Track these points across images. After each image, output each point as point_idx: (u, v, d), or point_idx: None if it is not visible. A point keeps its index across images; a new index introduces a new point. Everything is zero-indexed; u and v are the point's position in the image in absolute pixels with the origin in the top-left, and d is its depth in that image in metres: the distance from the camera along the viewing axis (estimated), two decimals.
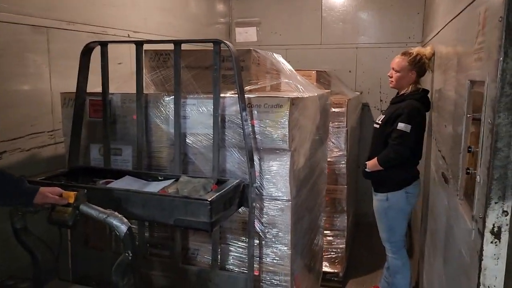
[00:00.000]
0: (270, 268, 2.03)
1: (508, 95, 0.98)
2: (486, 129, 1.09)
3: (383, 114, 2.83)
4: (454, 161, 1.60)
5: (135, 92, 2.02)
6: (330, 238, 3.41)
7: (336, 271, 3.36)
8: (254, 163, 1.90)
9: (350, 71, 4.45)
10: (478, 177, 1.15)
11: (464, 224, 1.32)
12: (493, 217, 1.03)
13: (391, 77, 2.79)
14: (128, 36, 2.95)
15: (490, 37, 1.12)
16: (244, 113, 1.82)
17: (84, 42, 2.51)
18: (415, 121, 2.58)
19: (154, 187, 1.87)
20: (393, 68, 2.77)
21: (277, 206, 1.96)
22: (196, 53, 2.12)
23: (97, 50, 2.14)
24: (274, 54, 2.42)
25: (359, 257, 3.82)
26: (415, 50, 2.74)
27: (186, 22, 3.89)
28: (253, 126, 1.88)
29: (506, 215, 1.02)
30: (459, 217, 1.43)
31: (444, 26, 2.21)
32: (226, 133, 1.93)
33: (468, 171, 1.30)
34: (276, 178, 1.92)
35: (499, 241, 1.04)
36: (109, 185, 1.89)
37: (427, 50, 2.73)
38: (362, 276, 3.53)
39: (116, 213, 1.56)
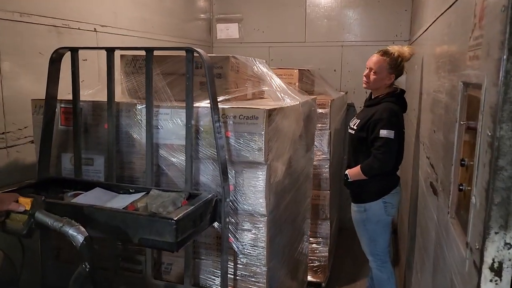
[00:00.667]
0: (246, 285, 1.89)
1: None
2: (484, 142, 0.90)
3: (357, 118, 2.64)
4: (445, 172, 1.42)
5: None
6: (313, 246, 3.23)
7: (318, 280, 3.19)
8: (229, 176, 1.78)
9: (335, 70, 4.28)
10: (473, 198, 0.96)
11: (456, 249, 1.14)
12: (493, 250, 0.85)
13: (367, 77, 2.57)
14: (95, 30, 2.73)
15: (489, 31, 0.94)
16: (217, 125, 1.67)
17: (42, 36, 2.30)
18: (396, 126, 2.41)
19: (124, 200, 1.72)
20: (370, 68, 2.55)
21: (253, 222, 1.84)
22: (173, 58, 1.99)
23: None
24: (257, 60, 2.26)
25: (343, 266, 3.64)
26: (395, 50, 2.52)
27: (162, 18, 3.66)
28: (227, 137, 1.77)
29: (509, 248, 0.83)
30: (450, 239, 1.25)
31: (435, 21, 2.03)
32: (200, 145, 1.81)
33: (461, 187, 1.11)
34: (252, 192, 1.81)
35: (500, 280, 0.86)
36: (76, 198, 1.74)
37: (406, 51, 2.53)
38: (345, 285, 3.35)
39: (73, 221, 1.43)
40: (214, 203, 1.72)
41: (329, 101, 3.08)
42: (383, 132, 2.36)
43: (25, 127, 2.23)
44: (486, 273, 0.85)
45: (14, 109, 2.15)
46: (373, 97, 2.62)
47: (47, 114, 1.92)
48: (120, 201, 1.72)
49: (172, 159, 1.86)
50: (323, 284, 3.16)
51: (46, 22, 2.33)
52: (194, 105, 1.80)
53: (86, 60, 2.63)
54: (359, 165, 2.49)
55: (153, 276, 1.98)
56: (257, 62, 2.27)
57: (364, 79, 2.60)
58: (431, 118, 1.99)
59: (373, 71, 2.53)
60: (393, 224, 4.29)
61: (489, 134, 0.85)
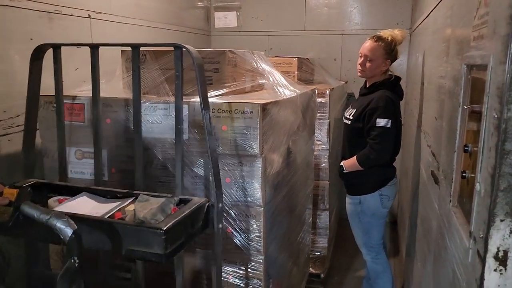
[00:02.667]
0: (245, 274, 1.88)
1: None
2: (490, 124, 0.85)
3: (353, 108, 2.56)
4: (447, 160, 1.37)
5: (113, 96, 1.94)
6: (312, 237, 3.18)
7: (317, 272, 3.15)
8: (225, 169, 1.79)
9: (335, 59, 4.21)
10: (477, 184, 0.92)
11: (459, 239, 1.09)
12: (498, 239, 0.80)
13: (362, 65, 2.48)
14: (89, 16, 2.67)
15: (496, 7, 0.88)
16: (208, 125, 1.59)
17: (32, 22, 2.25)
18: (393, 114, 2.33)
19: (110, 207, 1.62)
20: (365, 56, 2.47)
21: (250, 213, 1.84)
22: (172, 54, 1.93)
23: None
24: (255, 52, 2.24)
25: (342, 256, 3.60)
26: (387, 34, 2.44)
27: (159, 4, 3.59)
28: (223, 131, 1.77)
29: None
30: (452, 228, 1.21)
31: (437, 5, 1.97)
32: (199, 140, 1.80)
33: (464, 174, 1.06)
34: (248, 184, 1.80)
35: (505, 269, 0.81)
36: (60, 206, 1.65)
37: (398, 35, 2.45)
38: (345, 277, 3.32)
39: (63, 213, 1.34)
40: (206, 209, 1.61)
41: (328, 90, 3.02)
42: (380, 121, 2.29)
43: (17, 116, 2.18)
44: (490, 262, 0.81)
45: (4, 96, 2.10)
46: (368, 85, 2.54)
47: (29, 112, 1.86)
48: (106, 208, 1.63)
49: (171, 152, 1.86)
50: (322, 275, 3.12)
51: (37, 8, 2.26)
52: (192, 100, 1.80)
53: (79, 47, 2.57)
54: (355, 156, 2.43)
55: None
56: (255, 56, 2.25)
57: (359, 67, 2.52)
58: (433, 106, 1.93)
59: (368, 58, 2.45)
60: (393, 215, 4.26)
61: (496, 116, 0.80)
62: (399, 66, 4.03)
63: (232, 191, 1.82)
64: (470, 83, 1.14)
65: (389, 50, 2.43)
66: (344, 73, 4.20)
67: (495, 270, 0.82)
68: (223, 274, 1.87)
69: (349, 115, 2.53)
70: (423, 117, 2.37)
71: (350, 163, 2.48)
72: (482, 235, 0.84)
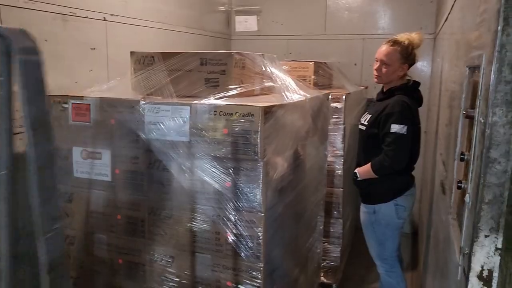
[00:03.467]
0: (244, 280, 1.83)
1: (508, 82, 0.67)
2: (479, 130, 0.78)
3: (369, 114, 2.48)
4: (450, 169, 1.29)
5: (120, 96, 1.95)
6: (325, 245, 3.10)
7: (329, 281, 3.06)
8: (226, 173, 1.77)
9: (355, 64, 4.12)
10: (467, 195, 0.84)
11: (453, 254, 1.02)
12: (482, 256, 0.73)
13: (378, 70, 2.39)
14: (104, 19, 2.70)
15: (491, 2, 0.81)
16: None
17: (46, 23, 2.29)
18: (409, 120, 2.23)
19: None
20: (381, 61, 2.38)
21: (250, 218, 1.78)
22: (181, 55, 2.00)
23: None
24: (266, 55, 2.21)
25: (356, 267, 3.49)
26: (404, 38, 2.35)
27: (178, 8, 3.60)
28: (225, 134, 1.74)
29: (499, 254, 0.71)
30: (450, 242, 1.13)
31: (452, 6, 1.88)
32: (200, 142, 1.79)
33: (460, 185, 0.99)
34: (249, 189, 1.76)
35: None
36: None
37: (415, 38, 2.35)
38: (358, 287, 3.22)
39: None
40: None
41: (344, 95, 2.95)
42: (395, 127, 2.20)
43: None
44: (473, 282, 0.74)
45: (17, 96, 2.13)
46: (384, 90, 2.46)
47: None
48: None
49: (173, 155, 1.85)
50: (334, 286, 3.03)
51: (52, 10, 2.30)
52: (194, 102, 1.79)
53: (94, 49, 2.60)
54: (369, 163, 2.35)
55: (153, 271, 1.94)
56: (265, 59, 2.21)
57: (375, 73, 2.42)
58: (445, 112, 1.84)
59: (384, 63, 2.36)
60: (414, 225, 4.11)
61: (482, 121, 0.74)
62: (421, 72, 3.91)
63: (233, 195, 1.78)
64: (472, 87, 1.06)
65: (406, 54, 2.34)
66: (365, 78, 4.10)
67: None
68: (224, 280, 1.83)
69: (365, 121, 2.47)
70: (439, 125, 2.26)
71: (364, 170, 2.40)
72: (467, 251, 0.77)
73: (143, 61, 2.08)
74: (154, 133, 1.86)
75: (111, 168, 1.98)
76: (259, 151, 1.71)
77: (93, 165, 2.00)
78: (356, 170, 2.47)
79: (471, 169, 0.84)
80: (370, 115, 2.42)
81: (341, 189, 3.04)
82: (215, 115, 1.76)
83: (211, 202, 1.82)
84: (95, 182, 1.99)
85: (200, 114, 1.79)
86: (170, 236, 1.91)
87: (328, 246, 3.11)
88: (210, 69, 1.98)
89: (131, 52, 2.12)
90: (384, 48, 2.38)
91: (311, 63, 3.19)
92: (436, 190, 1.98)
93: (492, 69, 0.69)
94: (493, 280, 0.72)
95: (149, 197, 1.92)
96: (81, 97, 2.01)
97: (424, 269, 2.54)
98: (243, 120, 1.72)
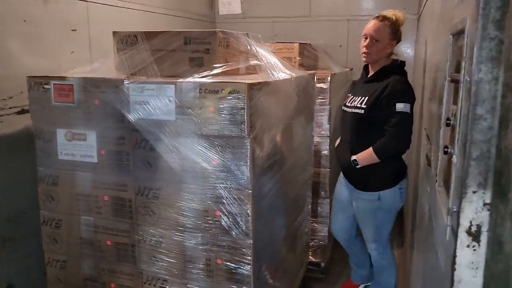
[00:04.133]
0: (233, 257, 1.84)
1: (492, 39, 0.68)
2: (465, 90, 0.79)
3: (360, 96, 2.31)
4: (435, 139, 1.31)
5: (104, 76, 1.94)
6: (313, 225, 3.13)
7: (318, 260, 3.10)
8: (213, 151, 1.77)
9: (341, 46, 4.12)
10: (454, 157, 0.86)
11: (441, 218, 1.03)
12: (471, 212, 0.74)
13: (368, 47, 2.26)
14: (86, 0, 2.64)
15: None
16: None
17: (26, 4, 2.24)
18: (411, 99, 2.16)
19: None
20: (370, 37, 2.25)
21: (238, 196, 1.79)
22: (163, 34, 1.98)
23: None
24: (250, 34, 2.18)
25: None
26: (390, 14, 2.26)
27: None
28: (211, 112, 1.73)
29: (488, 209, 0.73)
30: (437, 209, 1.15)
31: None
32: (185, 120, 1.78)
33: (446, 149, 1.00)
34: (236, 167, 1.76)
35: (479, 245, 0.75)
36: None
37: (400, 14, 2.28)
38: (346, 267, 3.26)
39: None
40: None
41: (329, 75, 2.95)
42: (400, 106, 2.10)
43: (10, 97, 2.17)
44: (462, 237, 0.75)
45: None
46: (371, 71, 2.37)
47: None
48: None
49: (159, 134, 1.84)
50: (322, 264, 3.07)
51: None
52: (178, 80, 1.78)
53: (75, 30, 2.55)
54: (370, 148, 2.22)
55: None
56: (250, 38, 2.19)
57: (364, 50, 2.28)
58: (428, 89, 1.86)
59: (374, 39, 2.24)
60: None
61: (468, 79, 0.74)
62: (405, 54, 3.93)
63: (220, 173, 1.78)
64: (456, 54, 1.07)
65: (395, 30, 2.26)
66: (350, 60, 4.11)
67: (467, 246, 0.76)
68: (214, 258, 1.84)
69: (360, 104, 2.28)
70: (423, 104, 2.28)
71: (364, 156, 2.24)
72: (455, 209, 0.79)
73: (126, 40, 2.06)
74: (140, 113, 1.84)
75: (96, 149, 1.96)
76: (246, 128, 1.70)
77: (78, 147, 1.98)
78: (355, 157, 2.29)
79: (457, 131, 0.85)
80: (364, 97, 2.28)
81: (328, 169, 3.06)
82: (200, 93, 1.75)
83: (199, 181, 1.81)
84: (81, 164, 1.97)
85: (185, 93, 1.78)
86: (158, 216, 1.91)
87: (316, 225, 3.14)
88: (194, 48, 1.96)
89: (113, 32, 2.09)
90: (372, 24, 2.28)
91: (296, 44, 3.18)
92: (422, 166, 2.00)
93: (478, 26, 0.69)
94: (482, 235, 0.74)
95: (136, 177, 1.91)
96: (63, 78, 1.98)
97: (411, 246, 2.58)
98: (229, 97, 1.71)
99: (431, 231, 1.27)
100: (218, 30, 1.97)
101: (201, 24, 4.23)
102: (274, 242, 2.14)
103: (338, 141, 2.61)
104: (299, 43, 3.19)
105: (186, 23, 3.91)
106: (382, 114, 2.18)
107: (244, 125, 1.70)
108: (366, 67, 2.47)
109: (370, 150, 2.22)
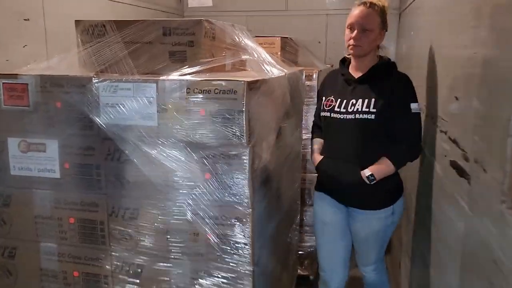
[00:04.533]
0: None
1: None
2: None
3: (360, 98, 1.92)
4: (488, 146, 1.08)
5: (64, 73, 1.63)
6: (298, 235, 2.89)
7: (306, 273, 2.86)
8: (205, 162, 1.50)
9: (319, 42, 3.90)
10: None
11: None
12: None
13: (358, 39, 1.89)
14: None
15: None
16: None
17: None
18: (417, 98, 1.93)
19: None
20: (359, 26, 1.88)
21: (235, 215, 1.53)
22: (137, 24, 1.69)
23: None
24: (236, 25, 1.92)
25: None
26: (375, 0, 1.91)
27: None
28: (202, 116, 1.46)
29: None
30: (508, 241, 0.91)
31: None
32: (168, 125, 1.50)
33: None
34: (233, 181, 1.50)
35: None
36: None
37: (385, 2, 1.95)
38: None
39: None
40: None
41: (316, 72, 2.72)
42: (414, 106, 1.85)
43: None
44: None
45: None
46: (356, 67, 2.00)
47: None
48: None
49: (137, 142, 1.54)
50: (311, 277, 2.84)
51: None
52: (160, 78, 1.51)
53: (28, 20, 2.18)
54: (385, 158, 1.89)
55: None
56: (237, 29, 1.92)
57: (353, 42, 1.90)
58: (449, 86, 1.64)
59: (365, 29, 1.88)
60: None
61: None
62: (385, 49, 3.76)
63: (213, 189, 1.50)
64: None
65: (384, 18, 1.94)
66: (329, 57, 3.89)
67: None
68: None
69: (366, 107, 1.89)
70: (429, 102, 2.04)
71: (381, 168, 1.88)
72: None
73: (93, 31, 1.74)
74: (112, 117, 1.54)
75: (59, 162, 1.66)
76: (244, 135, 1.43)
77: (35, 160, 1.65)
78: (370, 172, 1.88)
79: None
80: (367, 100, 1.89)
81: (315, 174, 2.82)
82: (188, 93, 1.46)
83: (187, 198, 1.53)
84: (40, 180, 1.64)
85: (170, 93, 1.49)
86: (136, 241, 1.60)
87: (303, 235, 2.91)
88: (175, 40, 1.69)
89: (76, 21, 1.77)
90: (360, 11, 1.90)
91: (278, 39, 2.95)
92: (437, 174, 1.78)
93: None
94: None
95: (109, 195, 1.61)
96: (15, 76, 1.65)
97: (412, 259, 2.34)
98: (224, 99, 1.43)
99: (496, 273, 1.04)
100: (203, 19, 1.68)
101: (168, 16, 3.90)
102: (271, 263, 1.88)
103: (318, 156, 2.11)
104: (281, 37, 2.95)
105: (151, 14, 3.56)
106: (397, 117, 1.88)
107: (243, 131, 1.43)
108: (344, 62, 2.12)
109: (385, 160, 1.89)
